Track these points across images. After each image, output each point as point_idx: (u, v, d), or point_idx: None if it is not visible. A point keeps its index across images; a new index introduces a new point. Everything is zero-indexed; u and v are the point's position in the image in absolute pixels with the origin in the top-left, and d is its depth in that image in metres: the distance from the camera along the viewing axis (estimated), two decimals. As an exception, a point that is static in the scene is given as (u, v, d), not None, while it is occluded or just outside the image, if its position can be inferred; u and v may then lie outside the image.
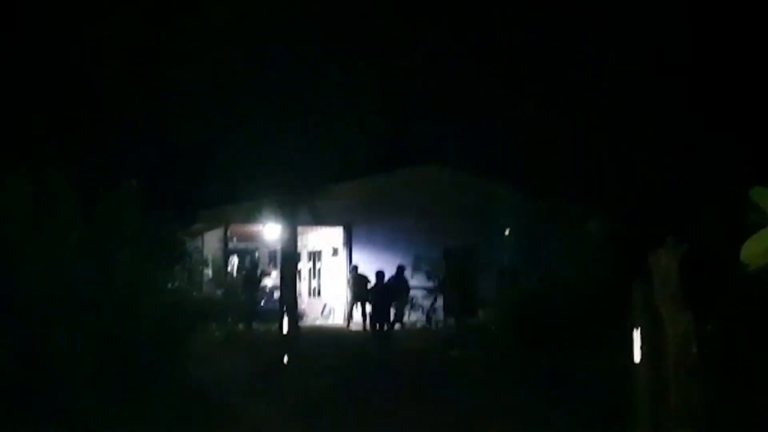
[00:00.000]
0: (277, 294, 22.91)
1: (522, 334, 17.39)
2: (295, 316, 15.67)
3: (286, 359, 11.86)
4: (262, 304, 22.51)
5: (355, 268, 22.58)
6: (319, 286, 26.83)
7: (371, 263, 23.05)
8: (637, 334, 7.24)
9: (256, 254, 30.05)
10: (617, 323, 11.34)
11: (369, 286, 21.88)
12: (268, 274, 24.53)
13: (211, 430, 9.30)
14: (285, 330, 14.43)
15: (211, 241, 24.62)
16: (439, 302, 22.23)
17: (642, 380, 7.18)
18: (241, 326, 20.16)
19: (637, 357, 7.25)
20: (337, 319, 23.63)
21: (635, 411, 7.13)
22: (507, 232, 23.66)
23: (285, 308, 16.01)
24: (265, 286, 23.86)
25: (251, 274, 22.39)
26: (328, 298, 25.38)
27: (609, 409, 8.63)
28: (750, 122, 17.23)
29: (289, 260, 17.27)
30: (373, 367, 13.94)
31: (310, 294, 26.76)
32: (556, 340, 15.65)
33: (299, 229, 19.23)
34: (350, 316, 22.32)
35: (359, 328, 21.48)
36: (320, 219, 19.45)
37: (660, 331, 6.23)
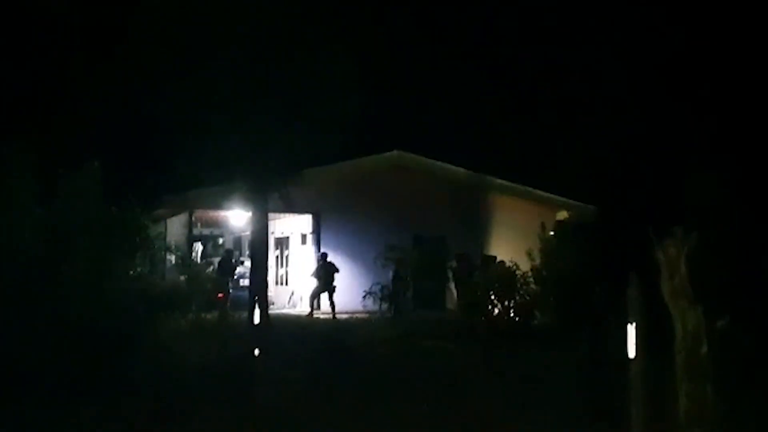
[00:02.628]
0: (244, 282, 22.44)
1: (495, 325, 17.16)
2: (266, 305, 15.16)
3: (257, 351, 11.36)
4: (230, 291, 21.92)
5: (324, 255, 22.15)
6: (286, 273, 26.32)
7: (340, 251, 22.68)
8: (631, 329, 6.95)
9: (220, 240, 29.47)
10: (607, 317, 11.15)
11: (337, 274, 21.51)
12: (242, 262, 23.93)
13: (173, 426, 8.76)
14: (256, 320, 13.90)
15: (174, 227, 23.99)
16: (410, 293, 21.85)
17: (636, 376, 6.92)
18: (208, 315, 19.59)
19: (631, 352, 6.98)
20: (305, 308, 23.18)
21: (629, 406, 6.86)
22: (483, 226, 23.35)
23: (255, 297, 15.52)
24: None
25: (226, 261, 21.68)
26: (295, 286, 24.90)
27: (597, 405, 8.38)
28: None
29: (259, 248, 16.76)
30: (345, 358, 13.51)
31: (277, 282, 26.24)
32: (530, 334, 15.47)
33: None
34: (317, 305, 21.91)
35: (325, 316, 21.09)
36: (290, 206, 18.99)
37: (666, 328, 5.86)
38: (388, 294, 20.76)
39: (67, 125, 15.39)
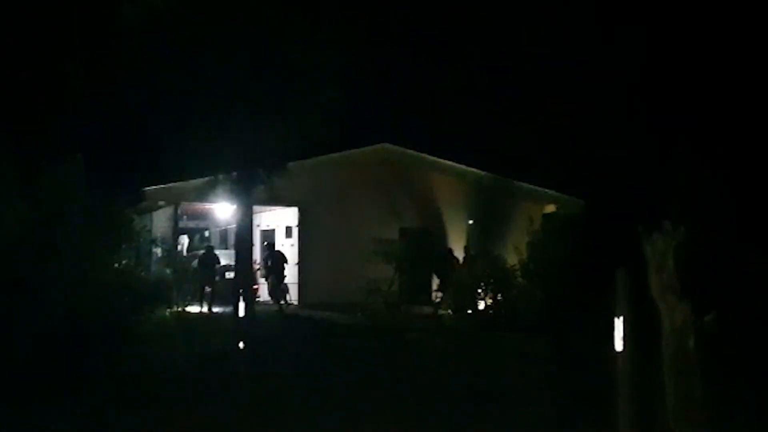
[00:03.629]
0: (228, 275, 22.35)
1: (481, 318, 17.18)
2: (252, 298, 15.08)
3: (241, 344, 11.27)
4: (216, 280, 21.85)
5: (271, 245, 22.04)
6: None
7: (326, 244, 22.60)
8: (619, 323, 6.92)
9: (207, 233, 29.32)
10: (594, 310, 11.15)
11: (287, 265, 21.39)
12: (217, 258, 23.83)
13: (157, 421, 8.69)
14: (241, 313, 13.82)
15: (160, 220, 23.82)
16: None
17: (623, 370, 6.90)
18: (192, 308, 19.52)
19: (618, 346, 6.96)
20: (292, 300, 23.11)
21: (615, 399, 6.84)
22: (471, 222, 23.33)
23: (240, 290, 15.42)
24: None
25: (207, 256, 21.59)
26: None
27: (586, 397, 8.37)
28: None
29: (243, 241, 16.65)
30: (328, 352, 13.46)
31: (262, 275, 26.14)
32: (519, 327, 15.46)
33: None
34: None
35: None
36: (275, 198, 18.87)
37: (652, 323, 5.83)
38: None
39: (50, 118, 15.23)
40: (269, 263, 21.49)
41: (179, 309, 18.18)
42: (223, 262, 22.72)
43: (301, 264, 23.30)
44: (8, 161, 10.43)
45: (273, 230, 25.91)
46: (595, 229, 16.33)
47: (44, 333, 10.34)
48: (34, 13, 14.19)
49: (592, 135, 21.65)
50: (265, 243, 22.49)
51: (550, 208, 24.07)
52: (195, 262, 22.47)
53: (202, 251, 23.52)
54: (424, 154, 24.55)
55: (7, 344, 9.90)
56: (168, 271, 20.84)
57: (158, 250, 21.31)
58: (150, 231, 21.20)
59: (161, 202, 22.85)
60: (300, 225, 23.63)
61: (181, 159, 17.29)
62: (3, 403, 8.93)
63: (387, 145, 24.13)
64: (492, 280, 17.42)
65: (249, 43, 15.91)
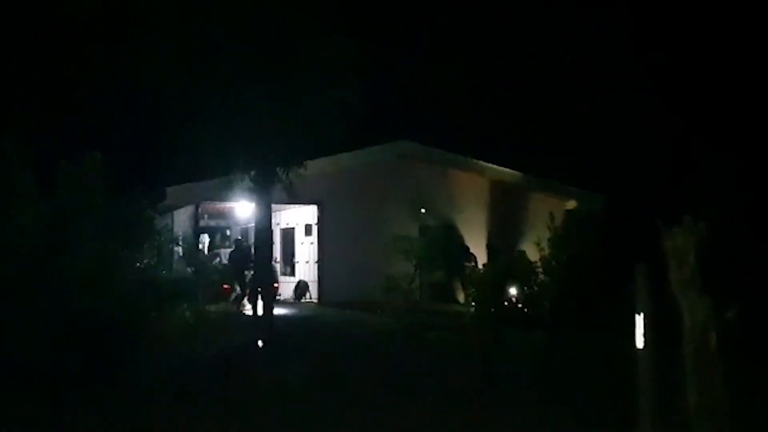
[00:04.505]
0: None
1: (503, 316, 17.02)
2: (270, 296, 15.05)
3: (260, 343, 11.27)
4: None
5: (240, 241, 22.18)
6: (293, 264, 26.24)
7: (345, 241, 22.57)
8: (639, 319, 6.83)
9: (227, 231, 29.39)
10: (616, 307, 11.05)
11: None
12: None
13: (175, 423, 8.70)
14: (260, 311, 13.82)
15: (181, 219, 23.92)
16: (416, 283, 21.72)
17: (644, 367, 6.80)
18: (213, 307, 19.55)
19: (639, 343, 6.87)
20: (311, 298, 23.13)
21: (636, 397, 6.75)
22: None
23: (259, 288, 15.41)
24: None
25: (238, 252, 21.43)
26: (301, 277, 24.82)
27: (607, 395, 8.28)
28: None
29: (263, 239, 16.62)
30: (348, 350, 13.42)
31: (283, 272, 26.17)
32: (542, 324, 15.33)
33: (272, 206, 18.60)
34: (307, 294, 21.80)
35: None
36: (294, 196, 18.84)
37: (673, 319, 5.73)
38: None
39: (69, 118, 15.29)
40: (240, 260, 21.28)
41: (200, 307, 18.25)
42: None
43: (321, 262, 23.30)
44: (27, 160, 10.47)
45: (293, 228, 25.95)
46: (615, 224, 16.18)
47: (65, 332, 10.38)
48: (51, 11, 14.23)
49: (611, 130, 21.48)
50: (235, 239, 22.44)
51: (572, 204, 23.88)
52: (220, 260, 22.46)
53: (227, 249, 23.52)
54: (443, 151, 24.45)
55: (28, 343, 9.94)
56: (190, 269, 20.93)
57: (179, 249, 21.44)
58: (171, 230, 21.33)
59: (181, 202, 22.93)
60: (319, 223, 23.62)
61: (202, 158, 17.28)
62: (26, 401, 9.00)
63: (406, 142, 24.05)
64: (514, 277, 17.27)
65: (267, 40, 15.86)
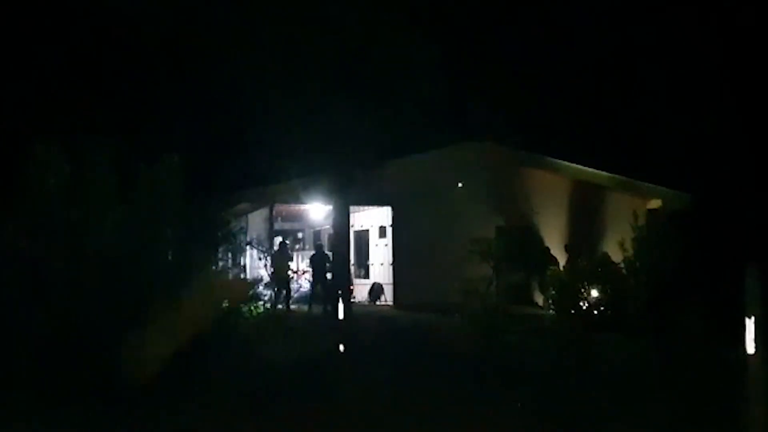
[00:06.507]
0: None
1: (584, 319, 16.48)
2: (349, 300, 14.87)
3: (341, 347, 11.06)
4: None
5: (320, 244, 21.86)
6: (367, 267, 26.09)
7: (420, 243, 22.26)
8: (750, 324, 6.40)
9: (300, 234, 29.45)
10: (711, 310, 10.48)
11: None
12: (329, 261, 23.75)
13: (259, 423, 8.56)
14: (340, 315, 13.63)
15: (255, 222, 24.01)
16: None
17: (755, 374, 6.38)
18: (292, 308, 19.48)
19: (750, 348, 6.44)
20: (386, 301, 22.90)
21: (744, 406, 6.32)
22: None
23: (339, 291, 15.25)
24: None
25: (325, 256, 21.29)
26: (376, 279, 24.63)
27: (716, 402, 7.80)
28: None
29: (340, 241, 16.49)
30: (430, 355, 13.10)
31: (357, 275, 26.05)
32: (627, 328, 14.75)
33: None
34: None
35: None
36: (370, 198, 18.67)
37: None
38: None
39: (147, 120, 15.40)
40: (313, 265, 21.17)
41: (278, 308, 18.23)
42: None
43: (396, 264, 23.06)
44: (107, 165, 10.49)
45: (366, 230, 25.80)
46: (706, 223, 15.48)
47: (145, 335, 10.35)
48: (129, 8, 14.35)
49: (696, 126, 20.68)
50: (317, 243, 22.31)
51: (656, 203, 23.12)
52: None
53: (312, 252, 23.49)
54: (521, 150, 23.95)
55: (106, 344, 9.93)
56: (265, 272, 20.97)
57: (255, 252, 21.48)
58: (246, 233, 21.40)
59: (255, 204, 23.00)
60: (394, 224, 23.39)
61: (277, 160, 17.27)
62: (120, 402, 8.99)
63: (483, 141, 23.62)
64: (597, 279, 16.71)
65: (346, 41, 15.74)
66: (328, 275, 20.00)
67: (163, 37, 15.13)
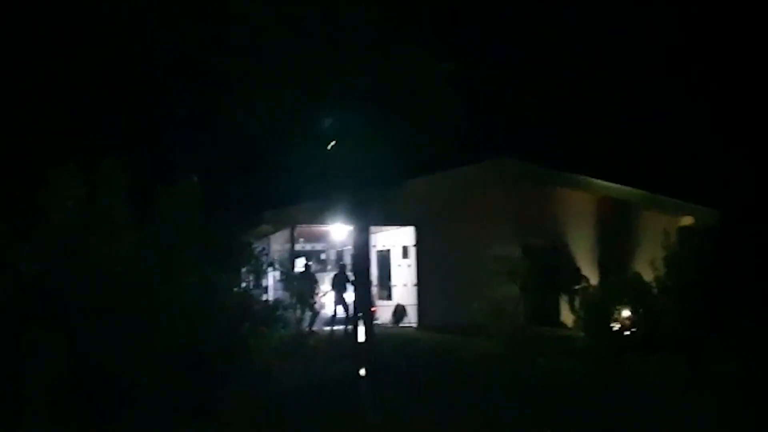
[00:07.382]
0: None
1: (616, 340, 16.00)
2: (371, 321, 14.48)
3: (363, 371, 10.69)
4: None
5: (343, 264, 21.62)
6: (389, 288, 25.69)
7: (444, 263, 21.86)
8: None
9: (322, 255, 29.12)
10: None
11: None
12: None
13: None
14: (361, 337, 13.25)
15: (277, 243, 23.74)
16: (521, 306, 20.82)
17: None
18: (314, 330, 19.13)
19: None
20: (410, 323, 22.48)
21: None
22: None
23: (360, 313, 14.89)
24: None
25: (347, 277, 20.93)
26: (399, 300, 24.23)
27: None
28: None
29: (361, 262, 16.14)
30: (458, 379, 12.68)
31: (380, 296, 25.65)
32: (661, 348, 14.26)
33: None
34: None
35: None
36: (392, 218, 18.32)
37: None
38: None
39: (165, 142, 15.21)
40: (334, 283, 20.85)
41: (302, 332, 17.91)
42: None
43: (419, 285, 22.66)
44: (124, 185, 10.25)
45: (388, 250, 25.44)
46: (739, 241, 15.01)
47: (165, 359, 10.08)
48: (144, 28, 14.20)
49: (724, 141, 20.22)
50: (340, 263, 21.99)
51: (687, 221, 22.60)
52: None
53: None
54: (546, 167, 23.53)
55: (126, 369, 9.68)
56: (287, 293, 20.66)
57: (276, 273, 21.19)
58: (267, 254, 21.12)
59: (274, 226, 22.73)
60: (417, 244, 23.01)
61: (297, 181, 17.00)
62: (139, 427, 8.71)
63: (507, 159, 23.24)
64: (627, 299, 16.24)
65: (367, 60, 15.49)
66: (350, 296, 19.65)
67: (182, 57, 14.95)
